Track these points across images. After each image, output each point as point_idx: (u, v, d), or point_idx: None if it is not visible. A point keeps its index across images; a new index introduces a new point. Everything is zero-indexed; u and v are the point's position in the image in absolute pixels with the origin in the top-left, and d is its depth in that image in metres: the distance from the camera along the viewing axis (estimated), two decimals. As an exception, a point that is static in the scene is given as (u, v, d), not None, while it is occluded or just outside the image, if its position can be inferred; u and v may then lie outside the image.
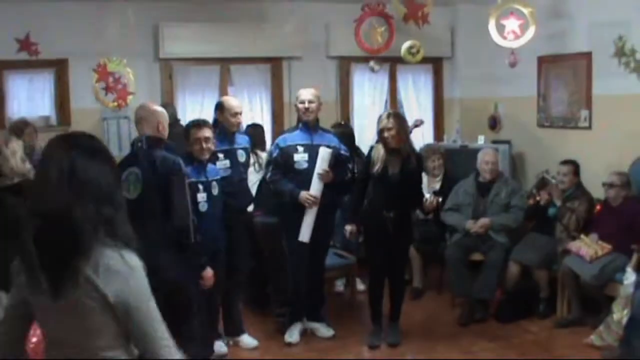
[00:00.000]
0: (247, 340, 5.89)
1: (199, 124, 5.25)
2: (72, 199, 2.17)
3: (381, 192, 5.78)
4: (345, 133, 6.71)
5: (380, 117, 5.82)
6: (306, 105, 5.83)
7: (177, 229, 4.38)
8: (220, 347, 5.62)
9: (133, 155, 4.57)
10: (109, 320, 2.22)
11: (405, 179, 5.70)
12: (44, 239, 2.17)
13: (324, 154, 5.73)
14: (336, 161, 5.87)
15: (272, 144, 6.04)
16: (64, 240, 2.15)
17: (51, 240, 2.16)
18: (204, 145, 5.13)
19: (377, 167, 5.72)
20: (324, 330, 6.12)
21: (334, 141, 5.97)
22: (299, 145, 5.83)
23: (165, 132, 4.60)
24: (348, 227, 6.15)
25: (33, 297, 2.27)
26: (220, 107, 5.73)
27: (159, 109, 4.72)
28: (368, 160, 5.86)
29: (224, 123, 5.65)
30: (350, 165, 6.04)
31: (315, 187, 5.74)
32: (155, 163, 4.39)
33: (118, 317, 2.22)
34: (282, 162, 5.83)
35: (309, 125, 5.88)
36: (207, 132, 5.18)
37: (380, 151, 5.74)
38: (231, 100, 5.86)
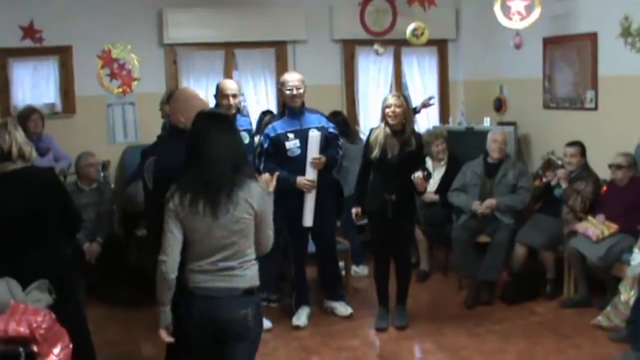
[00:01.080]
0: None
1: None
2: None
3: (381, 175, 5.80)
4: (338, 122, 6.71)
5: (385, 97, 5.80)
6: (294, 92, 5.82)
7: None
8: None
9: (157, 144, 4.47)
10: (252, 226, 3.51)
11: (405, 161, 5.68)
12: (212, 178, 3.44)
13: (313, 137, 5.74)
14: (326, 140, 5.89)
15: (261, 134, 6.01)
16: (228, 177, 3.46)
17: (217, 178, 3.45)
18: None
19: (375, 152, 5.73)
20: (342, 309, 6.18)
21: (322, 120, 5.99)
22: (289, 132, 5.84)
23: (188, 124, 4.12)
24: (353, 210, 6.16)
25: (190, 220, 3.45)
26: (216, 90, 5.76)
27: (182, 99, 4.28)
28: (367, 144, 5.87)
29: (221, 106, 5.65)
30: (340, 142, 6.09)
31: (310, 172, 5.77)
32: (172, 154, 4.09)
33: (256, 223, 3.52)
34: (273, 152, 5.84)
35: (296, 110, 5.88)
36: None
37: (379, 135, 5.74)
38: (225, 83, 5.85)
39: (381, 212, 5.79)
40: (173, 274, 3.49)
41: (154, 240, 3.78)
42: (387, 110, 5.67)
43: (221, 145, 3.51)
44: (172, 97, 6.41)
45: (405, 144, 5.70)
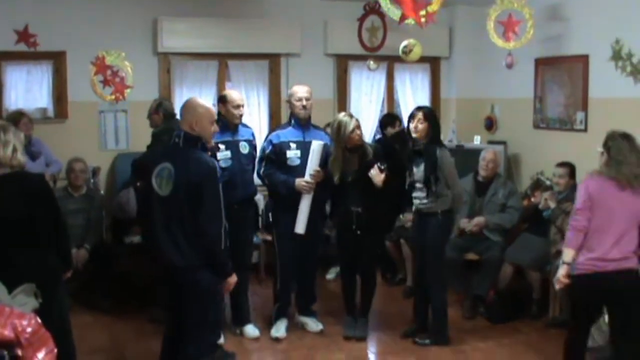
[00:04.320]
0: (249, 330, 6.06)
1: None
2: None
3: (346, 189, 5.88)
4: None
5: (345, 122, 5.79)
6: (304, 102, 5.89)
7: (207, 234, 4.24)
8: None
9: (170, 150, 4.45)
10: None
11: (367, 170, 5.78)
12: None
13: (316, 147, 5.81)
14: (326, 159, 5.94)
15: (264, 140, 6.08)
16: None
17: None
18: None
19: (336, 177, 5.83)
20: (313, 325, 6.24)
21: (325, 139, 6.05)
22: (292, 142, 5.93)
23: (203, 131, 4.35)
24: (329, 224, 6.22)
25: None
26: (222, 100, 5.82)
27: (198, 107, 4.42)
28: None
29: (226, 115, 5.72)
30: None
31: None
32: (189, 162, 4.24)
33: None
34: (274, 159, 5.91)
35: (302, 122, 5.96)
36: None
37: (337, 159, 5.83)
38: (233, 93, 5.93)
39: (348, 225, 5.88)
40: None
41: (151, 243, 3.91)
42: (354, 135, 5.78)
43: None
44: (160, 106, 6.54)
45: (363, 156, 5.83)
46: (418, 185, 5.83)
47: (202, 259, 4.25)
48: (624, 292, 4.50)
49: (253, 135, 6.05)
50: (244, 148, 5.84)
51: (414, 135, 5.76)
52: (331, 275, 7.78)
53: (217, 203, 4.25)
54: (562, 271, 4.62)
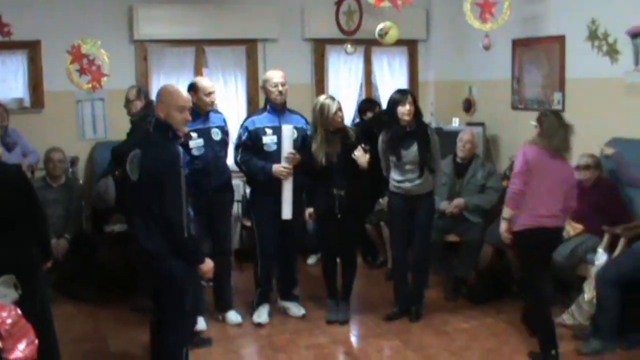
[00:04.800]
0: (232, 316, 6.06)
1: None
2: None
3: (329, 173, 5.89)
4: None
5: (328, 105, 5.80)
6: (280, 88, 5.89)
7: (168, 223, 4.20)
8: (200, 322, 5.73)
9: (143, 136, 4.45)
10: None
11: (350, 152, 5.82)
12: None
13: (286, 131, 5.81)
14: (303, 141, 5.94)
15: (240, 127, 6.06)
16: None
17: None
18: None
19: (321, 159, 5.82)
20: (295, 310, 6.26)
21: (302, 122, 6.06)
22: (267, 127, 5.92)
23: (170, 119, 4.28)
24: (307, 212, 6.20)
25: None
26: (193, 88, 5.72)
27: (172, 93, 4.37)
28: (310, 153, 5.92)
29: (197, 103, 5.63)
30: None
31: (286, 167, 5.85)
32: (153, 150, 4.24)
33: None
34: (251, 145, 5.91)
35: (277, 107, 5.96)
36: None
37: (320, 143, 5.83)
38: (204, 81, 5.87)
39: (330, 210, 5.90)
40: None
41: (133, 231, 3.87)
42: (337, 117, 5.80)
43: None
44: (141, 92, 6.46)
45: (345, 139, 5.87)
46: (409, 167, 5.86)
47: (170, 247, 4.23)
48: (553, 243, 5.45)
49: (224, 121, 6.02)
50: (216, 135, 5.80)
51: (406, 118, 5.79)
52: (312, 260, 7.80)
53: (177, 192, 4.20)
54: (503, 226, 5.34)
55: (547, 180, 5.17)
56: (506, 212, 5.31)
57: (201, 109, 5.68)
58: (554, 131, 5.24)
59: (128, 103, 6.39)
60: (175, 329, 4.41)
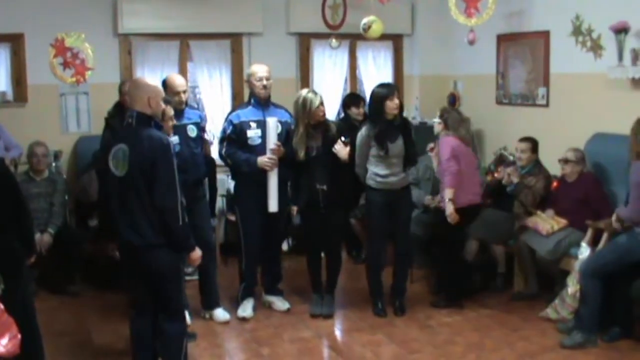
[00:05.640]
0: (219, 314, 6.03)
1: None
2: None
3: (311, 167, 5.90)
4: None
5: (311, 99, 5.81)
6: (264, 82, 5.88)
7: (164, 209, 4.21)
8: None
9: (124, 131, 4.42)
10: None
11: (331, 146, 5.84)
12: None
13: (271, 123, 5.80)
14: (287, 135, 5.94)
15: (225, 121, 6.04)
16: None
17: None
18: None
19: (301, 154, 5.84)
20: (280, 304, 6.27)
21: (286, 116, 6.06)
22: (252, 121, 5.91)
23: (157, 108, 4.38)
24: (293, 209, 6.20)
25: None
26: (163, 86, 5.59)
27: (150, 84, 4.45)
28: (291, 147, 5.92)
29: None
30: None
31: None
32: (142, 141, 4.22)
33: None
34: (236, 138, 5.90)
35: (262, 101, 5.94)
36: None
37: (300, 137, 5.84)
38: (176, 79, 5.75)
39: (313, 204, 5.92)
40: None
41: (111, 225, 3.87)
42: (319, 110, 5.82)
43: None
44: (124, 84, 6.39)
45: (326, 132, 5.88)
46: (394, 160, 5.88)
47: (161, 237, 4.23)
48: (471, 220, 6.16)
49: (201, 117, 5.95)
50: (192, 131, 5.72)
51: (395, 112, 5.83)
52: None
53: (172, 177, 4.22)
54: (450, 208, 5.86)
55: (467, 164, 5.97)
56: (449, 193, 5.86)
57: (174, 106, 5.60)
58: (458, 124, 6.01)
59: (123, 96, 6.33)
60: (177, 316, 4.48)
